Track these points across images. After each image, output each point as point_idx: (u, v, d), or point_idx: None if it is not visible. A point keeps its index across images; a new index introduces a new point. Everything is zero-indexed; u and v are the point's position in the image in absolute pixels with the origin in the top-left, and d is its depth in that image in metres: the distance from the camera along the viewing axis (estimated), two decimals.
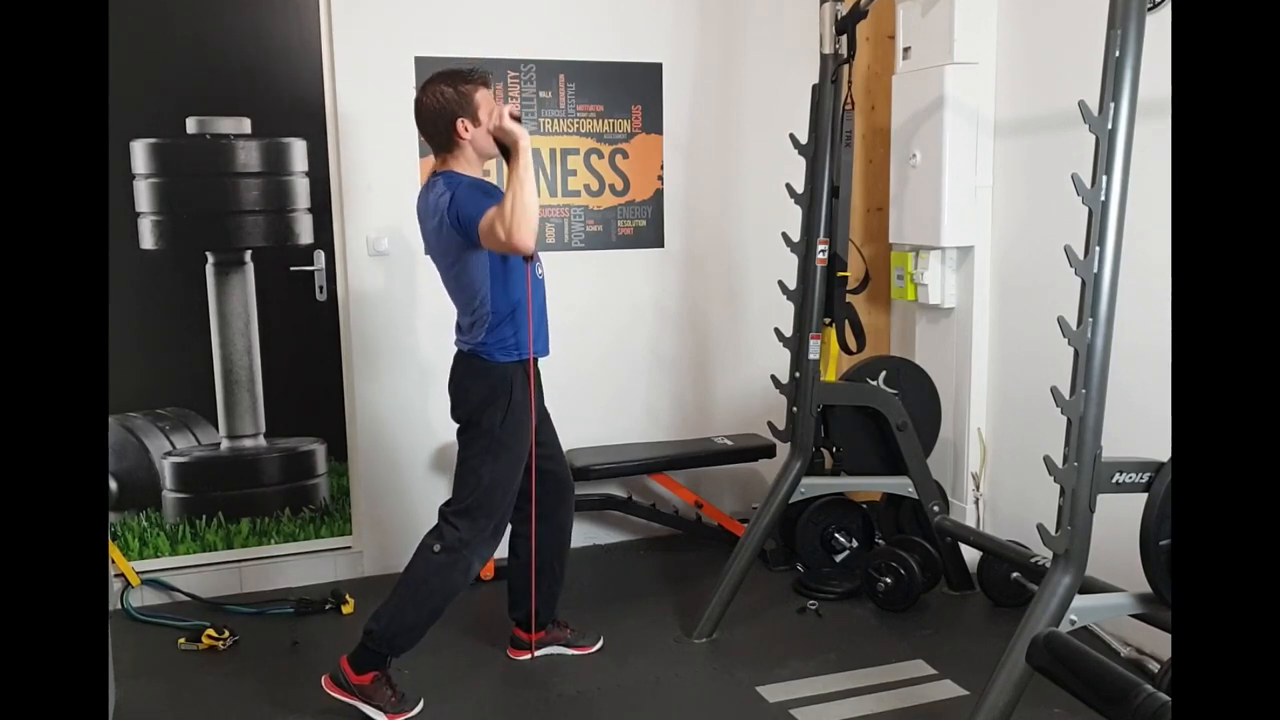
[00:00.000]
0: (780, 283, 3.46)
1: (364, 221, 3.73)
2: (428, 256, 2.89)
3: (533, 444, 2.89)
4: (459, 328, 2.87)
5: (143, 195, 3.52)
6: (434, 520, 2.86)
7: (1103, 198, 2.35)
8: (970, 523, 3.75)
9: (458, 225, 2.60)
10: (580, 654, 3.17)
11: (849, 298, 3.65)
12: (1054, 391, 2.44)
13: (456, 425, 2.85)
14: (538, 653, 3.14)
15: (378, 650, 2.77)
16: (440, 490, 3.90)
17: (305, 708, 2.88)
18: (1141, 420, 2.81)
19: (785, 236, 3.44)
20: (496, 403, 2.77)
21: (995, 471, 3.77)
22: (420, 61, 3.72)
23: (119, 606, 3.51)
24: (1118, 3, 2.33)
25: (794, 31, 4.05)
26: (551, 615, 3.16)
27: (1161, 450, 2.26)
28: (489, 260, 2.70)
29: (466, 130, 2.66)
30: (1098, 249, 2.36)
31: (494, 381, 2.77)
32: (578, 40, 3.92)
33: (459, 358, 2.86)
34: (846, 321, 3.64)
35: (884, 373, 3.54)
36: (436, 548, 2.78)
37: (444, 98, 2.66)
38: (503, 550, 3.93)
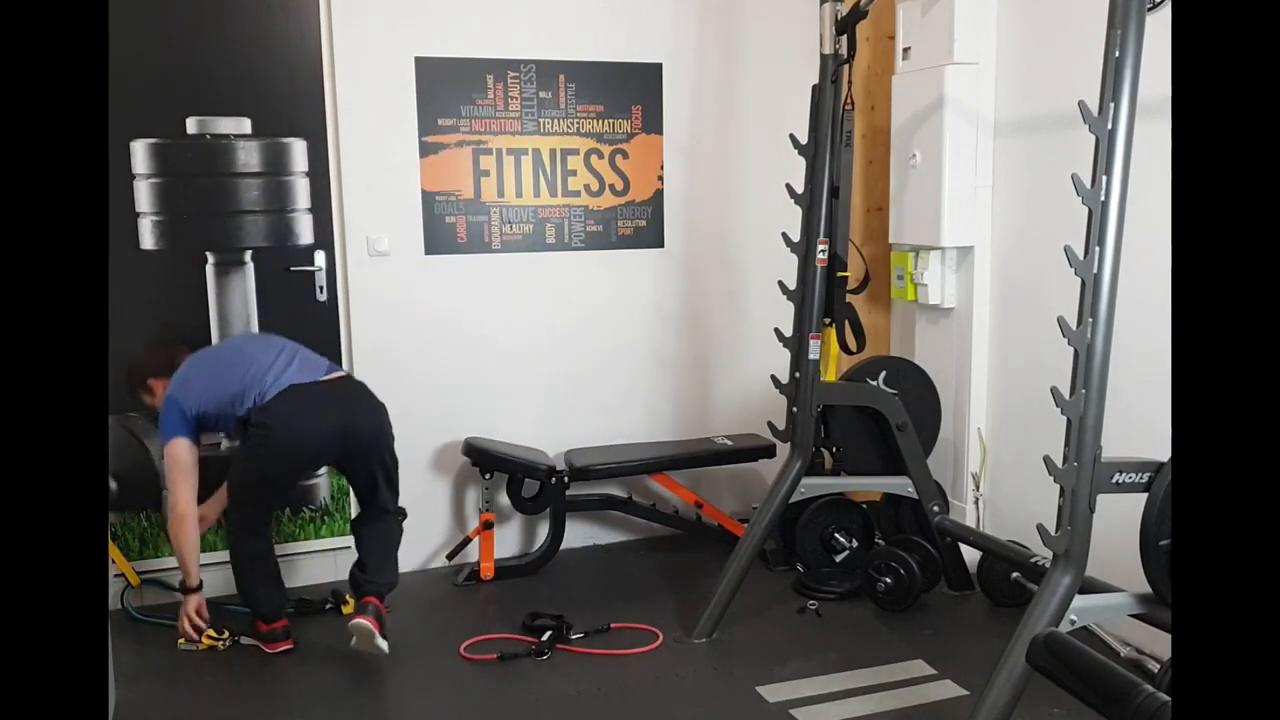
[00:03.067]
0: (780, 283, 3.46)
1: (364, 221, 3.73)
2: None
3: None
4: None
5: (143, 195, 3.52)
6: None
7: (1103, 198, 2.35)
8: (970, 523, 3.75)
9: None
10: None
11: (849, 298, 3.66)
12: (1054, 391, 2.44)
13: (387, 438, 3.27)
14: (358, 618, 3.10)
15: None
16: (439, 489, 3.92)
17: (305, 707, 2.88)
18: (1141, 420, 2.81)
19: (785, 236, 3.44)
20: None
21: (995, 471, 3.77)
22: (420, 61, 3.72)
23: (119, 606, 3.51)
24: (1118, 3, 2.33)
25: (794, 31, 4.05)
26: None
27: (1161, 450, 2.26)
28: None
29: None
30: (1098, 249, 2.36)
31: None
32: (578, 40, 3.92)
33: (353, 383, 3.28)
34: (846, 321, 3.64)
35: (884, 373, 3.54)
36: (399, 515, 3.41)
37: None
38: (504, 550, 3.96)
